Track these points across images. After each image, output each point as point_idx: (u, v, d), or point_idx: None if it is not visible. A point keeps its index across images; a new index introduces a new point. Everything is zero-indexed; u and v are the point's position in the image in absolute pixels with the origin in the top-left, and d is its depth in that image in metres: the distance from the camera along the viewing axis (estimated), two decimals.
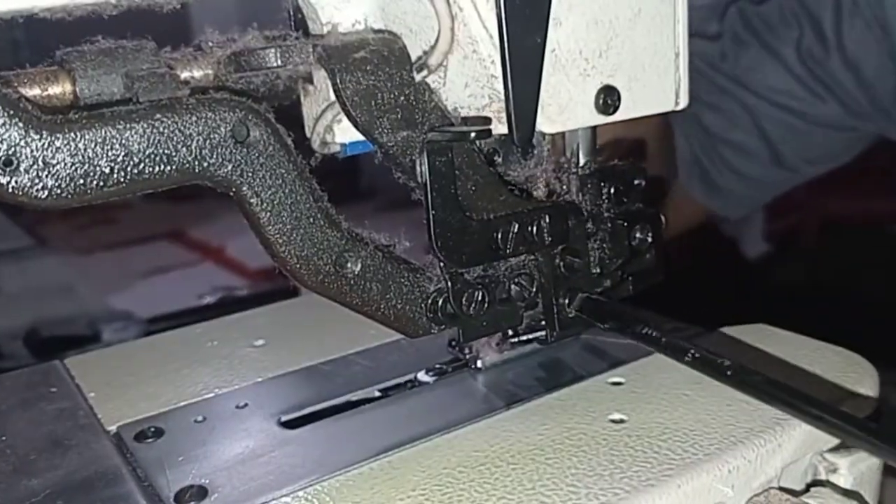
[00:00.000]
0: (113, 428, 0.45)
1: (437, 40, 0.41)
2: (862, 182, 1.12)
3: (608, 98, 0.43)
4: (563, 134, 0.46)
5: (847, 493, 0.42)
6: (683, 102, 0.46)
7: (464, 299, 0.43)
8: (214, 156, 0.37)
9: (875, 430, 0.34)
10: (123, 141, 0.35)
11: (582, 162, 0.46)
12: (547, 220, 0.44)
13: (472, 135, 0.41)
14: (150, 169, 0.35)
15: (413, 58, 0.42)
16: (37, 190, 0.33)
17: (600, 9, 0.42)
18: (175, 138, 0.36)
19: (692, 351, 0.39)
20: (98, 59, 0.36)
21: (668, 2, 0.44)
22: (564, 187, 0.47)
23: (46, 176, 0.33)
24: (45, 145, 0.33)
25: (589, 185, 0.46)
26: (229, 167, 0.37)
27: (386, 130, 0.41)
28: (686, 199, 1.00)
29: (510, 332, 0.48)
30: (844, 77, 0.88)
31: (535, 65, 0.41)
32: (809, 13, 0.89)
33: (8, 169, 0.33)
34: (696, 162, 0.99)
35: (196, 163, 0.36)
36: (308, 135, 0.44)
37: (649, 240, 0.47)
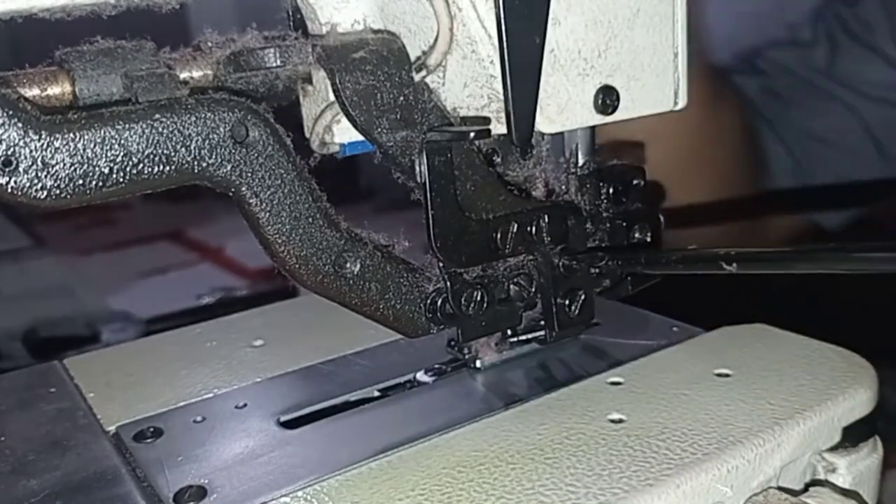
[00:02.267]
0: (112, 428, 0.45)
1: (435, 40, 0.41)
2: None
3: (607, 98, 0.43)
4: (562, 134, 0.46)
5: (846, 492, 0.42)
6: (682, 103, 0.46)
7: (463, 299, 0.43)
8: (213, 156, 0.37)
9: None
10: (122, 141, 0.35)
11: (581, 162, 0.46)
12: (546, 219, 0.44)
13: (472, 135, 0.41)
14: (150, 169, 0.35)
15: (412, 58, 0.42)
16: (36, 190, 0.33)
17: (599, 9, 0.42)
18: (174, 138, 0.36)
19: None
20: (97, 59, 0.36)
21: (667, 2, 0.44)
22: (563, 187, 0.47)
23: (45, 176, 0.33)
24: (45, 145, 0.33)
25: (588, 185, 0.46)
26: (228, 167, 0.37)
27: (385, 130, 0.41)
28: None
29: (509, 332, 0.48)
30: None
31: (534, 65, 0.41)
32: None
33: (7, 169, 0.33)
34: (797, 169, 0.99)
35: (195, 163, 0.36)
36: (307, 135, 0.44)
37: (648, 240, 0.47)
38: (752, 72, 1.01)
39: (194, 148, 0.36)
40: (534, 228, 0.44)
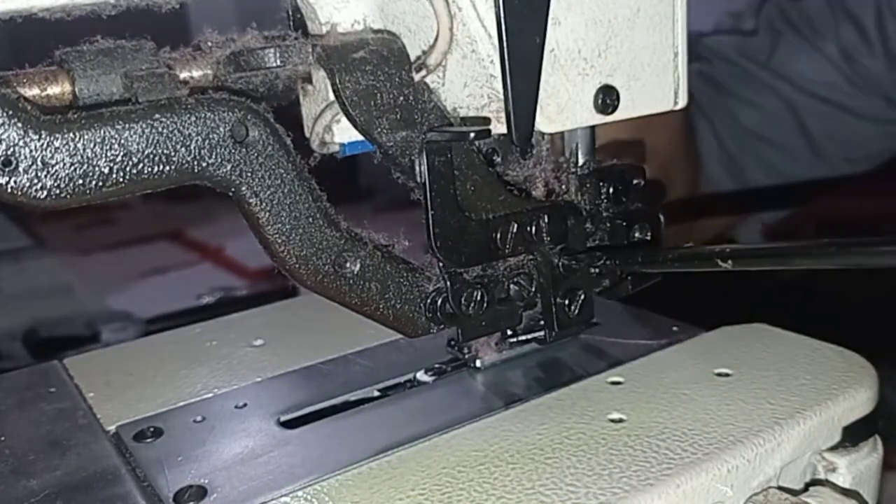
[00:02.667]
0: (112, 428, 0.45)
1: (435, 40, 0.41)
2: (861, 180, 1.12)
3: (607, 98, 0.43)
4: (562, 134, 0.46)
5: (846, 492, 0.42)
6: (682, 102, 0.46)
7: (463, 299, 0.43)
8: (213, 156, 0.37)
9: None
10: (122, 141, 0.35)
11: (581, 162, 0.46)
12: (545, 220, 0.44)
13: (472, 135, 0.41)
14: (149, 169, 0.35)
15: (412, 58, 0.42)
16: (36, 190, 0.33)
17: (599, 8, 0.42)
18: (174, 138, 0.36)
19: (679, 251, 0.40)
20: (97, 59, 0.36)
21: (667, 1, 0.44)
22: (563, 187, 0.47)
23: (45, 176, 0.33)
24: (44, 145, 0.33)
25: (588, 185, 0.46)
26: (228, 167, 0.37)
27: (385, 130, 0.41)
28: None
29: (509, 332, 0.48)
30: (889, 75, 0.88)
31: (534, 64, 0.41)
32: (847, 11, 0.89)
33: (7, 169, 0.33)
34: (728, 160, 0.98)
35: (195, 163, 0.36)
36: (307, 135, 0.44)
37: (648, 239, 0.47)
38: (691, 57, 1.00)
39: (194, 148, 0.36)
40: (533, 228, 0.44)
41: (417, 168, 0.41)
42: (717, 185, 0.99)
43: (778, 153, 0.96)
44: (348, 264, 0.41)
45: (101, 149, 0.34)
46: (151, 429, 0.45)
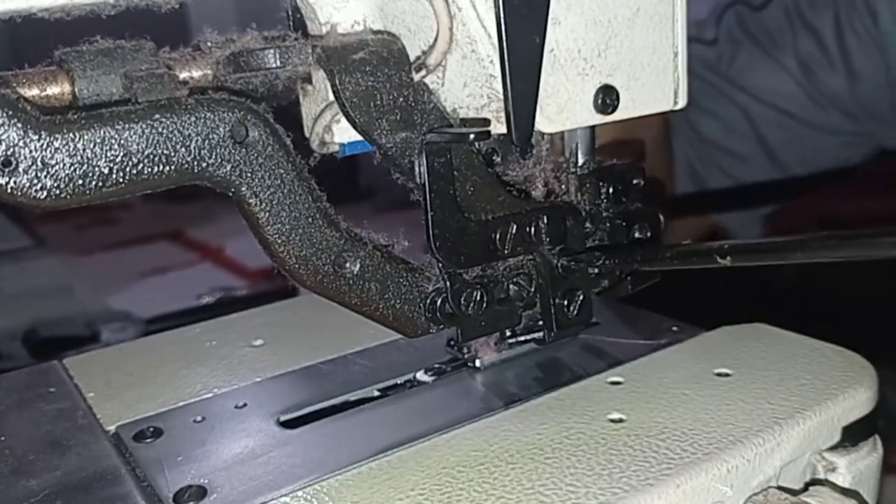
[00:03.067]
0: (112, 428, 0.45)
1: (435, 40, 0.41)
2: (860, 182, 1.13)
3: (607, 98, 0.43)
4: (561, 134, 0.46)
5: (846, 491, 0.42)
6: (682, 102, 0.46)
7: (462, 299, 0.43)
8: (213, 156, 0.37)
9: None
10: (122, 141, 0.35)
11: (581, 161, 0.46)
12: (545, 220, 0.44)
13: (471, 136, 0.41)
14: (149, 169, 0.35)
15: (412, 58, 0.42)
16: (35, 190, 0.33)
17: (599, 8, 0.42)
18: (174, 138, 0.36)
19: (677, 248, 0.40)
20: (97, 59, 0.36)
21: (667, 1, 0.44)
22: (563, 187, 0.47)
23: (45, 176, 0.33)
24: (44, 146, 0.33)
25: (587, 185, 0.46)
26: (228, 167, 0.37)
27: (385, 131, 0.41)
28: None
29: (508, 333, 0.48)
30: (848, 89, 0.88)
31: (534, 64, 0.41)
32: (807, 24, 0.89)
33: (7, 169, 0.33)
34: (691, 169, 0.99)
35: (195, 163, 0.36)
36: (307, 135, 0.44)
37: (648, 239, 0.47)
38: None
39: (194, 148, 0.36)
40: (532, 229, 0.44)
41: (417, 169, 0.41)
42: (684, 199, 0.99)
43: (737, 162, 0.97)
44: (348, 264, 0.41)
45: (101, 149, 0.34)
46: (151, 429, 0.45)
